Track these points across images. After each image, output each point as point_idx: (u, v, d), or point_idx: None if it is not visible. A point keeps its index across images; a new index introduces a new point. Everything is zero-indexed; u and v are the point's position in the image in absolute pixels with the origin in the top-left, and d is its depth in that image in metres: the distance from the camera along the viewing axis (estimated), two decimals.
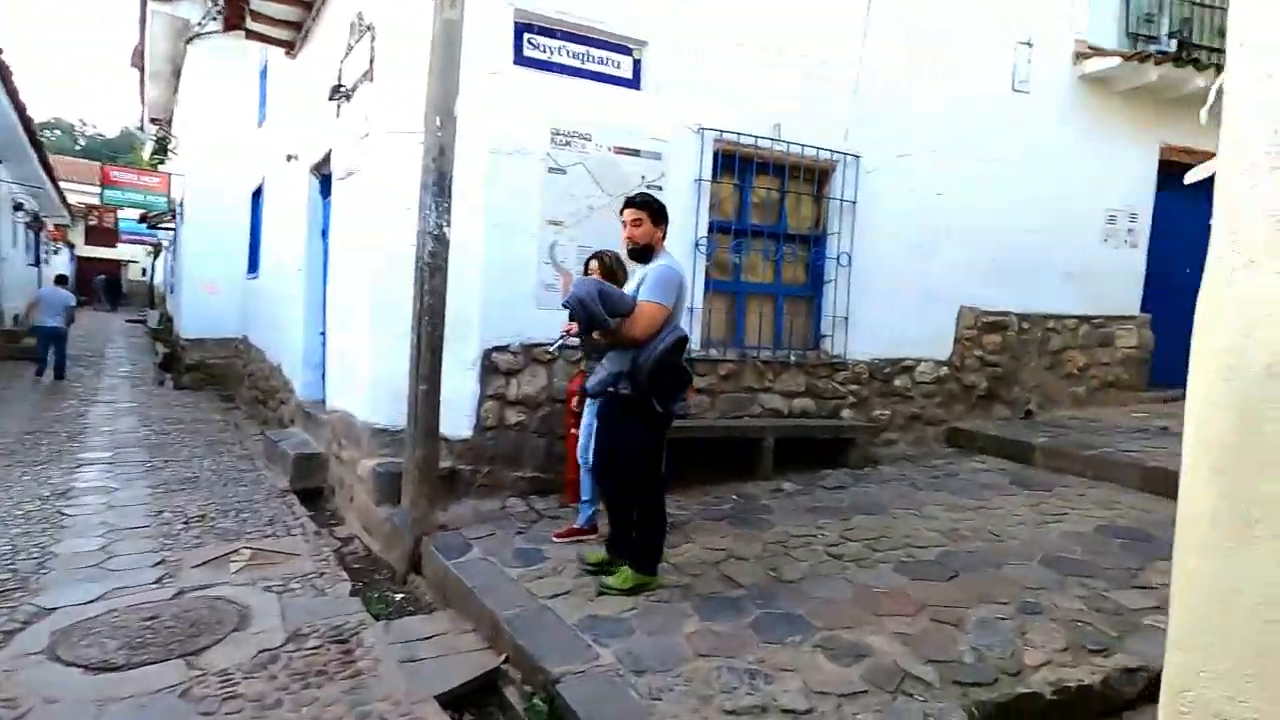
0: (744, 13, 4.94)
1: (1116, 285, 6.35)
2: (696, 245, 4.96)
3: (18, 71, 9.86)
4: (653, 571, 3.12)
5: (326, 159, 5.57)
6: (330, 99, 5.12)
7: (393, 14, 4.31)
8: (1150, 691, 2.36)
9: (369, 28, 4.54)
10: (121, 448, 6.61)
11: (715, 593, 3.07)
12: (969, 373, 5.89)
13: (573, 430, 4.25)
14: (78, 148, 43.77)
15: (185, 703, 2.49)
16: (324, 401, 5.52)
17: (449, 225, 3.78)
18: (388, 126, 4.33)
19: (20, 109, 10.85)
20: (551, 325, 4.33)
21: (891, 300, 5.59)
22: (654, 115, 4.77)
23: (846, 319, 5.43)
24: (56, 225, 23.14)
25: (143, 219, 15.35)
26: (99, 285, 28.67)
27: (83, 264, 29.52)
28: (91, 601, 3.28)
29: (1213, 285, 1.18)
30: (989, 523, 3.89)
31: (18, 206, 16.06)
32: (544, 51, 4.47)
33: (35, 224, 18.50)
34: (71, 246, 27.75)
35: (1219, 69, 6.03)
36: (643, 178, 4.76)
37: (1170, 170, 6.38)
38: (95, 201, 19.86)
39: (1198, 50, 6.61)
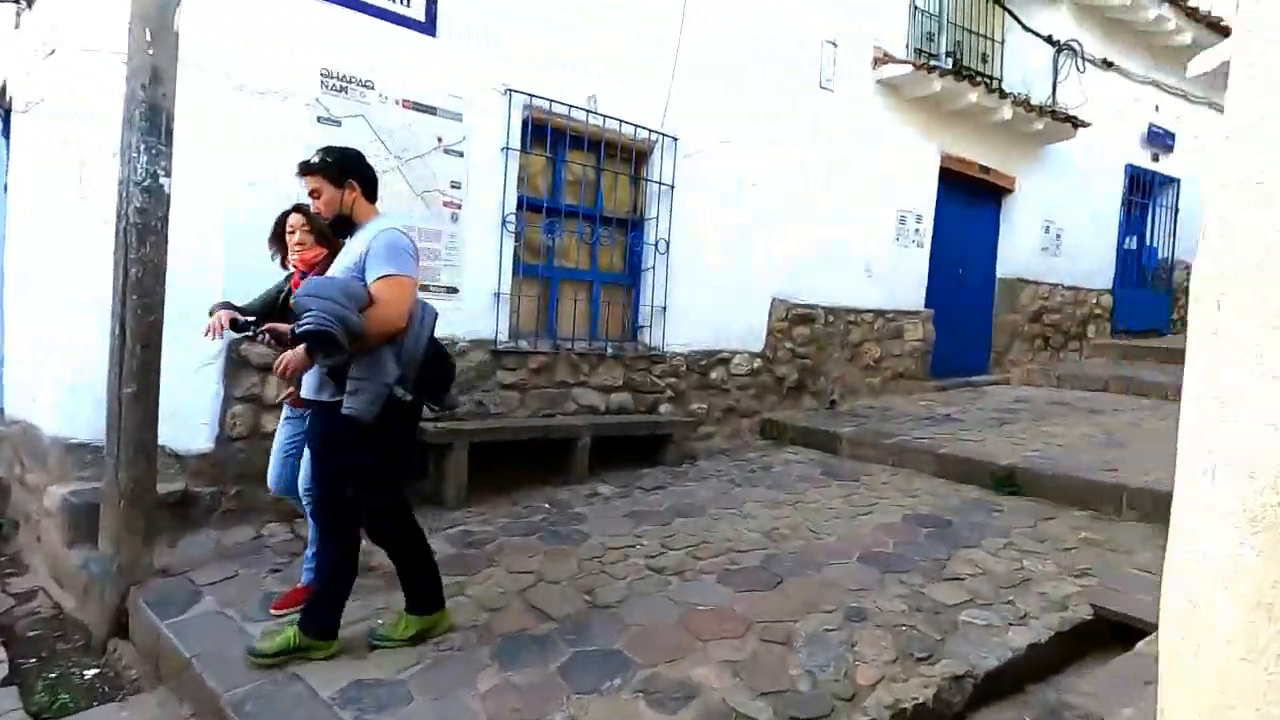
0: None
1: (906, 282, 6.79)
2: (504, 222, 4.40)
3: None
4: (436, 608, 2.53)
5: (3, 88, 4.19)
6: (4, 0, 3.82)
7: None
8: (976, 698, 2.27)
9: None
10: None
11: (521, 630, 2.58)
12: (780, 364, 5.95)
13: None
14: None
15: None
16: (0, 409, 4.17)
17: (168, 175, 2.87)
18: (82, 42, 3.25)
19: None
20: None
21: (709, 291, 5.45)
22: (453, 68, 4.11)
23: (665, 309, 5.18)
24: None
25: None
26: None
27: None
28: None
29: None
30: (807, 518, 3.80)
31: None
32: None
33: None
34: None
35: (988, 87, 6.66)
36: (439, 140, 4.09)
37: (947, 177, 6.95)
38: None
39: (967, 70, 7.28)
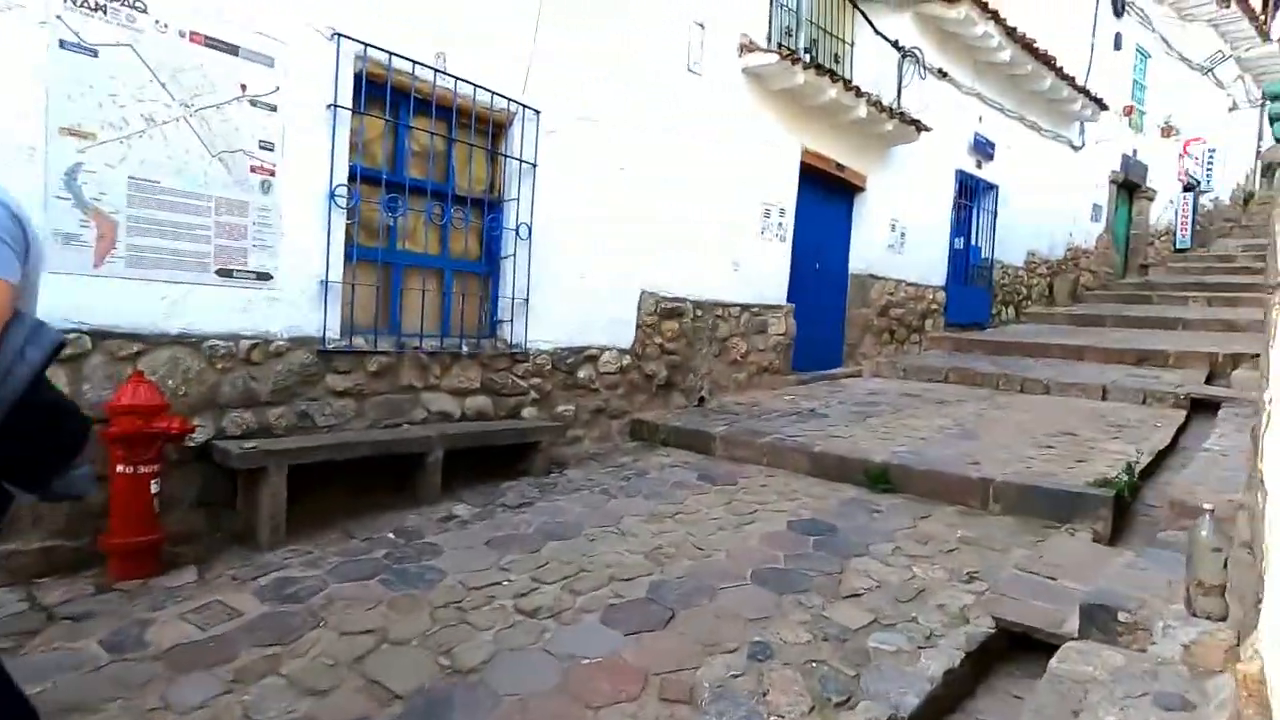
0: None
1: (770, 276, 6.74)
2: (332, 195, 3.65)
3: None
4: None
5: None
6: None
7: None
8: None
9: None
10: None
11: None
12: (650, 361, 5.63)
13: (121, 469, 2.73)
14: None
15: None
16: None
17: None
18: None
19: None
20: (84, 299, 2.70)
21: (575, 282, 4.99)
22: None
23: (527, 301, 4.65)
24: None
25: None
26: None
27: None
28: None
29: None
30: (690, 532, 3.48)
31: None
32: None
33: None
34: None
35: (846, 84, 6.74)
36: (243, 88, 3.28)
37: (807, 172, 6.99)
38: None
39: (825, 68, 7.37)
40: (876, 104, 7.11)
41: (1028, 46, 8.95)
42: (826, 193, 7.42)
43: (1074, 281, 12.00)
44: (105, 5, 2.85)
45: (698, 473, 4.56)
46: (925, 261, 8.78)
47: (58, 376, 2.82)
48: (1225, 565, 2.18)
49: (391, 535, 3.35)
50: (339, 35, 3.58)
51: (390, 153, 4.10)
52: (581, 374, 5.11)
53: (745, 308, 6.48)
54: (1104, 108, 11.02)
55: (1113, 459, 4.31)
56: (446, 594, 2.75)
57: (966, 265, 9.61)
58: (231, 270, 3.32)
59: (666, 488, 4.23)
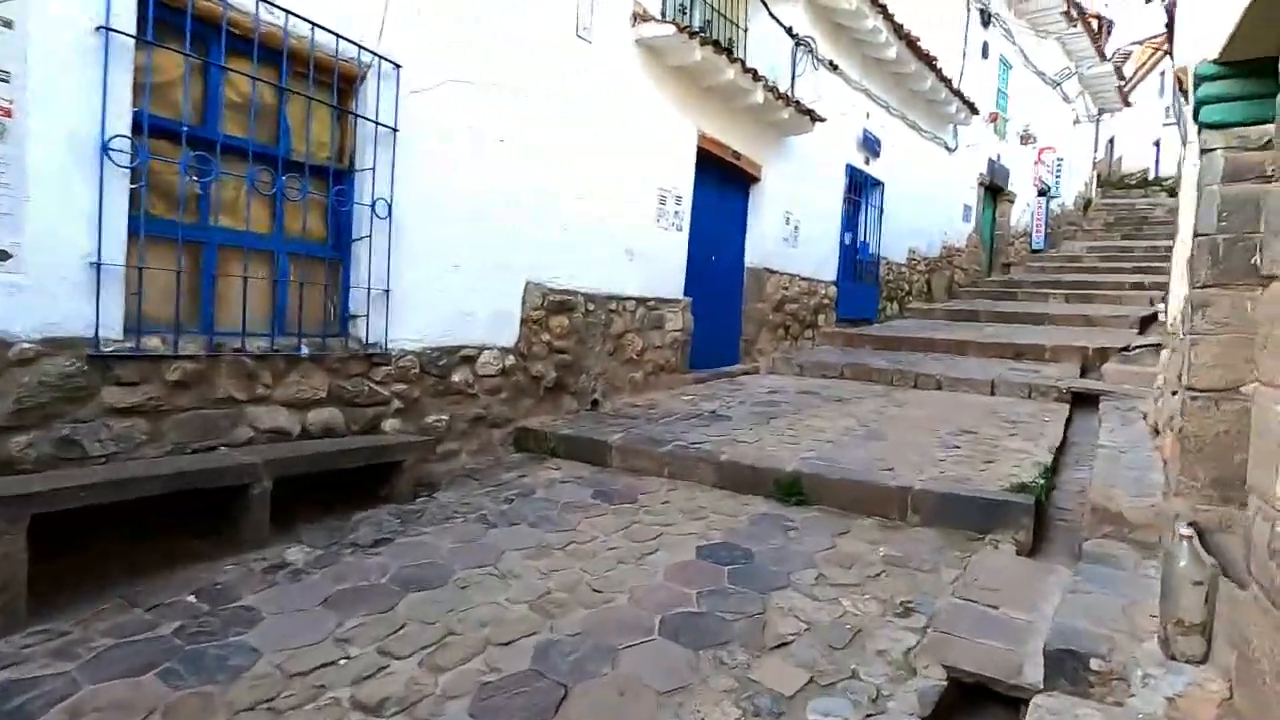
0: None
1: (667, 268, 6.29)
2: (106, 149, 2.75)
3: None
4: None
5: None
6: None
7: None
8: None
9: None
10: None
11: None
12: (536, 361, 5.00)
13: None
14: None
15: None
16: None
17: None
18: None
19: None
20: None
21: (448, 270, 4.28)
22: None
23: (388, 293, 3.89)
24: None
25: None
26: None
27: None
28: None
29: None
30: (586, 569, 2.91)
31: None
32: None
33: None
34: None
35: (743, 66, 6.37)
36: None
37: (704, 158, 6.59)
38: None
39: (722, 47, 7.01)
40: (773, 90, 6.82)
41: (912, 45, 9.05)
42: (722, 182, 7.06)
43: (949, 279, 12.50)
44: None
45: (592, 489, 3.99)
46: (818, 256, 8.68)
47: None
48: (1206, 600, 1.90)
49: (192, 599, 2.54)
50: None
51: (199, 101, 3.22)
52: (456, 377, 4.40)
53: (641, 301, 5.98)
54: (975, 112, 11.48)
55: (1017, 459, 4.19)
56: (255, 687, 2.02)
57: (855, 261, 9.64)
58: None
59: (556, 510, 3.63)
